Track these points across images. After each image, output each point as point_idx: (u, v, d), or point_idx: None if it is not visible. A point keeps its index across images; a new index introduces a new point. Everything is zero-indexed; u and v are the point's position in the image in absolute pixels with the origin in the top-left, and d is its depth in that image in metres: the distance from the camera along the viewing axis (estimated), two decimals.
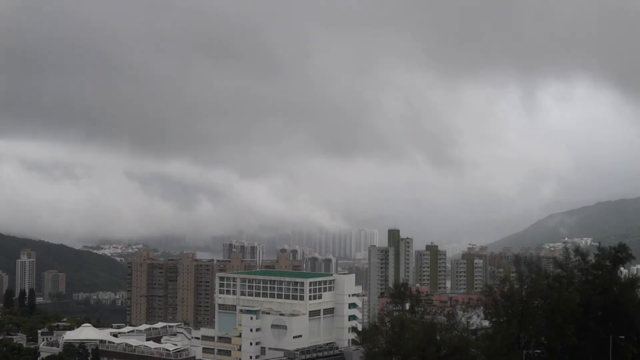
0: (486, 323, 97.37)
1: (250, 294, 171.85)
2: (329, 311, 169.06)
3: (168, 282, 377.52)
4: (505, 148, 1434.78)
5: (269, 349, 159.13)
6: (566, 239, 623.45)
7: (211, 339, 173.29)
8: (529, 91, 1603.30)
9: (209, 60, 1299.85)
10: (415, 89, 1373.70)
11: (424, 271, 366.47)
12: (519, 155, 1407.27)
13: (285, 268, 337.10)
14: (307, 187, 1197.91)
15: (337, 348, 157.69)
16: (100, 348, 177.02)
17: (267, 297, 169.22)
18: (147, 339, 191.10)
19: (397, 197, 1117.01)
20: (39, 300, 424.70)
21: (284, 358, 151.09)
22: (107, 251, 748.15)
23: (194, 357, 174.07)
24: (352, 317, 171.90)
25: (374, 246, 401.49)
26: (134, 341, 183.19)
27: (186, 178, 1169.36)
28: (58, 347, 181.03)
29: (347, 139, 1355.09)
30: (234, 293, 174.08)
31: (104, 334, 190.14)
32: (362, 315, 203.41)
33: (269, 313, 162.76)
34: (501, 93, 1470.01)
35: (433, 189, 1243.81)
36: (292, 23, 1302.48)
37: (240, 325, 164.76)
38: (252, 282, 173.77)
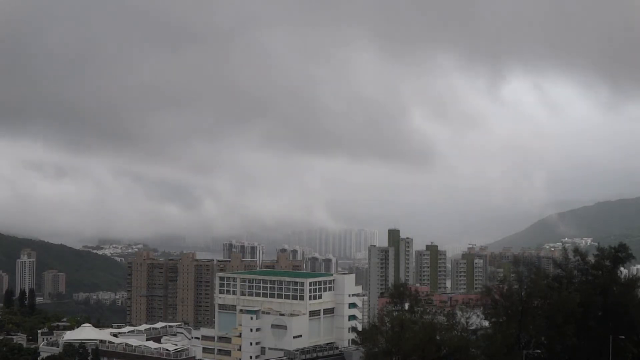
0: (486, 323, 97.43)
1: (250, 294, 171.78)
2: (329, 311, 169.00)
3: (168, 282, 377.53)
4: (489, 143, 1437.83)
5: (269, 349, 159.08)
6: (566, 239, 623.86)
7: (211, 339, 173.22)
8: (498, 80, 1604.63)
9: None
10: (373, 77, 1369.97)
11: (424, 271, 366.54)
12: (506, 150, 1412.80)
13: (285, 268, 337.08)
14: (296, 185, 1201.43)
15: (337, 348, 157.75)
16: (100, 348, 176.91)
17: (267, 297, 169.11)
18: (147, 339, 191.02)
19: (373, 195, 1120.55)
20: (39, 300, 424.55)
21: (284, 358, 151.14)
22: (107, 251, 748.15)
23: (194, 357, 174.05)
24: (352, 317, 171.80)
25: (374, 246, 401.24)
26: (134, 341, 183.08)
27: (171, 177, 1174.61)
28: (58, 347, 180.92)
29: (309, 130, 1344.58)
30: (234, 293, 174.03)
31: (104, 334, 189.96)
32: (362, 315, 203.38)
33: (269, 313, 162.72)
34: (469, 81, 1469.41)
35: (410, 184, 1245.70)
36: (241, 8, 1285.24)
37: (240, 325, 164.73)
38: (252, 282, 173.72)
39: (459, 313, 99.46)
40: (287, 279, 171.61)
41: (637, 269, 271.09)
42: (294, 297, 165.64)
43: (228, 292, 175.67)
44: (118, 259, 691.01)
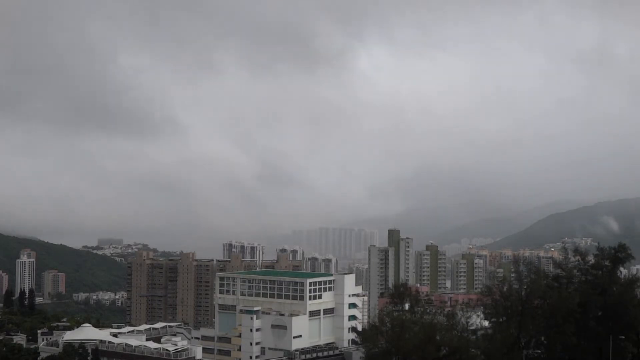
0: (486, 323, 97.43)
1: (250, 294, 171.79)
2: (329, 311, 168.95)
3: (168, 282, 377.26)
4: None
5: (269, 349, 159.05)
6: (566, 238, 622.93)
7: (211, 339, 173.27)
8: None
9: None
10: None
11: (424, 271, 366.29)
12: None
13: (285, 268, 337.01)
14: None
15: (337, 348, 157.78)
16: (100, 348, 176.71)
17: (267, 297, 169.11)
18: (147, 339, 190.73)
19: None
20: (39, 300, 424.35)
21: (284, 358, 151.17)
22: (107, 251, 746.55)
23: (194, 357, 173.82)
24: (352, 317, 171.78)
25: (374, 246, 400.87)
26: (134, 341, 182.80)
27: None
28: (58, 347, 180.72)
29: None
30: (234, 293, 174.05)
31: (104, 334, 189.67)
32: (362, 315, 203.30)
33: (269, 313, 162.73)
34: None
35: None
36: None
37: (240, 325, 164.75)
38: (252, 282, 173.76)
39: (459, 313, 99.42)
40: (287, 279, 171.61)
41: (637, 269, 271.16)
42: (294, 297, 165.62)
43: (228, 292, 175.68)
44: (118, 259, 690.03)
